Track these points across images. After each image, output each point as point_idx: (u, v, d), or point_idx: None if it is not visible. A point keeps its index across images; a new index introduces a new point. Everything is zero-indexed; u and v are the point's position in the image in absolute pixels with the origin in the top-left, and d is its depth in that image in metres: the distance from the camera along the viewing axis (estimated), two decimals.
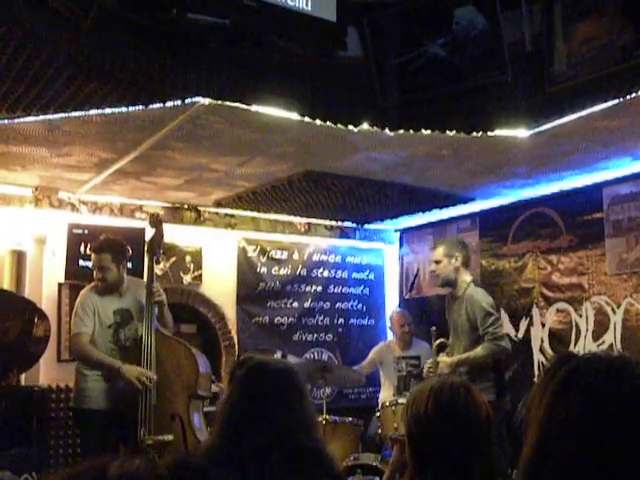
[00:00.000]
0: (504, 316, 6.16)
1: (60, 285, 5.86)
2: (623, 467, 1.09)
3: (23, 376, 5.31)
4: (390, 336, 6.84)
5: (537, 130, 4.01)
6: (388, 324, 6.80)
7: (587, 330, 5.47)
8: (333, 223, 7.21)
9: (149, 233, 5.07)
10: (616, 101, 3.55)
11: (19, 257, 5.54)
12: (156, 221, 4.92)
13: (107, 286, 4.77)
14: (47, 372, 5.62)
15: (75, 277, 5.85)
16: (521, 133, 4.04)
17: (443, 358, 4.80)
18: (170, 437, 4.22)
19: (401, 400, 4.68)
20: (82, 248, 5.84)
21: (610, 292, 5.34)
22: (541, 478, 1.15)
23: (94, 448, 4.43)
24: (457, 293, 4.88)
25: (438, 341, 4.93)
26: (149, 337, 4.52)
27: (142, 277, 5.99)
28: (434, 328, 5.09)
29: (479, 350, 4.63)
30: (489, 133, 3.96)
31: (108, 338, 4.68)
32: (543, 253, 5.92)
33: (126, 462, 0.71)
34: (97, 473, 0.69)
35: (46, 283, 5.79)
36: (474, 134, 3.98)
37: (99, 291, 4.79)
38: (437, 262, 4.94)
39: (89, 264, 5.87)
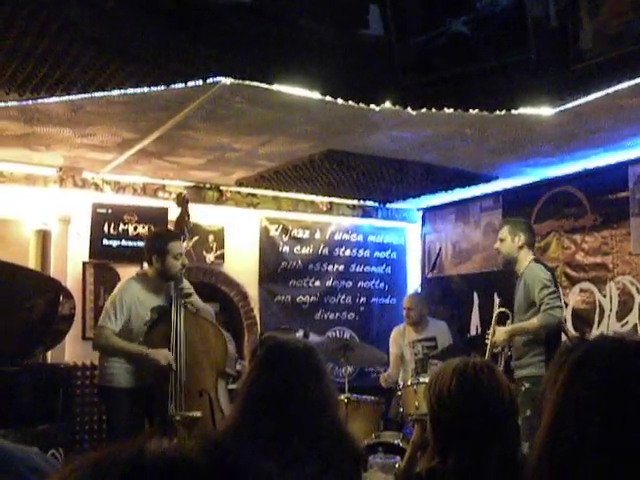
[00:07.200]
0: None
1: (85, 264, 5.94)
2: (636, 444, 1.10)
3: (49, 354, 5.40)
4: None
5: (562, 108, 3.95)
6: None
7: (611, 310, 5.43)
8: (355, 202, 7.19)
9: (175, 213, 5.09)
10: None
11: (44, 237, 5.62)
12: (182, 201, 4.97)
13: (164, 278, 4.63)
14: (72, 350, 5.71)
15: (99, 256, 5.93)
16: (545, 111, 3.99)
17: (500, 327, 4.87)
18: (198, 414, 4.27)
19: (422, 379, 4.69)
20: (106, 227, 5.91)
21: (635, 272, 5.28)
22: (556, 458, 1.15)
23: (120, 425, 4.47)
24: (519, 271, 4.92)
25: (499, 310, 5.02)
26: (178, 315, 4.53)
27: None
28: (499, 299, 5.22)
29: (534, 320, 4.67)
30: (513, 111, 3.90)
31: (141, 333, 4.58)
32: (567, 232, 5.87)
33: (161, 442, 0.72)
34: (134, 453, 0.69)
35: (71, 262, 5.87)
36: (497, 112, 3.93)
37: (147, 283, 4.64)
38: (501, 240, 5.01)
39: (113, 243, 5.97)
